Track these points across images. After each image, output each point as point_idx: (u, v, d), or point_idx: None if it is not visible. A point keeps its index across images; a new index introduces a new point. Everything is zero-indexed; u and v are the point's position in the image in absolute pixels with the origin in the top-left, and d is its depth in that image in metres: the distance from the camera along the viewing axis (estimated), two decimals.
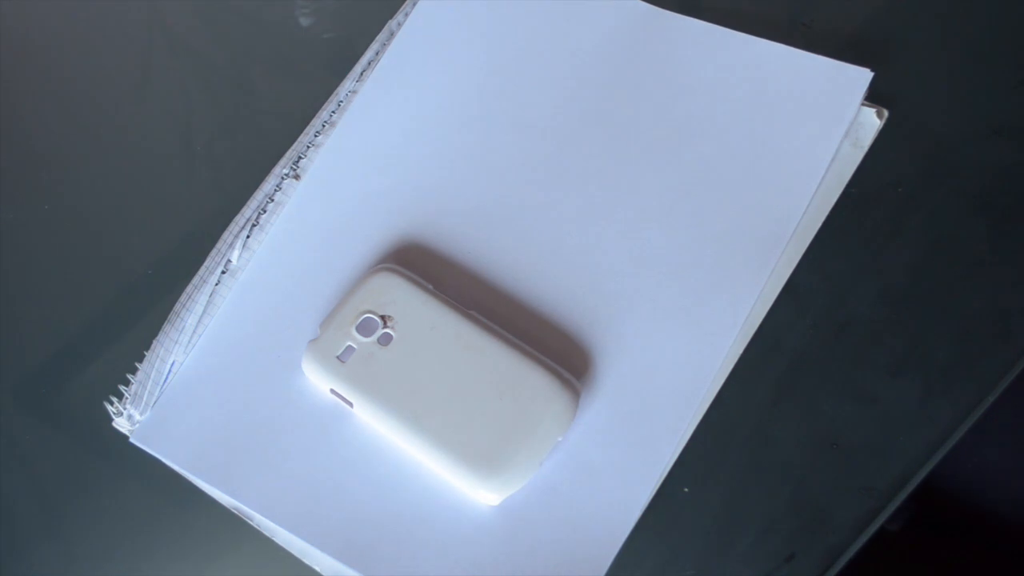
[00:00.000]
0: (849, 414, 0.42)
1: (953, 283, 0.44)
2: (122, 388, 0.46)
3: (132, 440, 0.45)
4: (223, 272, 0.48)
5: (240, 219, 0.49)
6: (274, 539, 0.43)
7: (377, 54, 0.53)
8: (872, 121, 0.47)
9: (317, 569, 0.42)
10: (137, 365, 0.46)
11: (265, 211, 0.49)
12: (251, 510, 0.43)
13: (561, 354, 0.43)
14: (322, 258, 0.48)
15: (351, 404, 0.43)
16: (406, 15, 0.54)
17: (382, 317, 0.44)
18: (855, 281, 0.45)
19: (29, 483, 0.47)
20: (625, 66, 0.50)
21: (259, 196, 0.50)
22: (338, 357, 0.43)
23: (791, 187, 0.45)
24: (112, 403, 0.46)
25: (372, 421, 0.42)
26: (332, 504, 0.42)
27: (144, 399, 0.45)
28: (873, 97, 0.47)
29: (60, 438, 0.48)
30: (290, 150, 0.51)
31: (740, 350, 0.44)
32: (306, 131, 0.51)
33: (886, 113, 0.47)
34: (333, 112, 0.51)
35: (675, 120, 0.48)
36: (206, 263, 0.49)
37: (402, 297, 0.44)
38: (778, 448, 0.42)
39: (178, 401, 0.45)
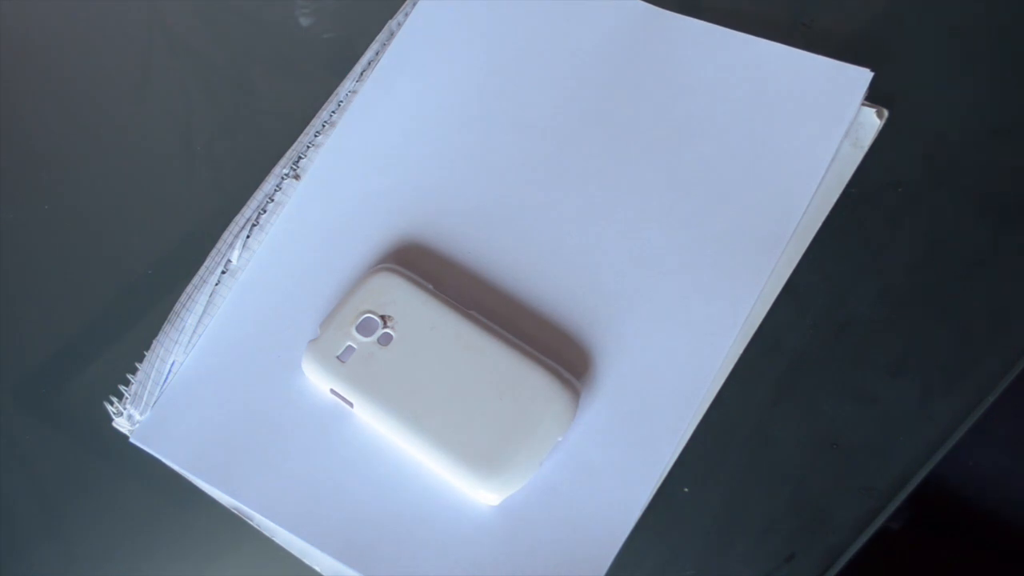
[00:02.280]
0: (849, 414, 0.42)
1: (953, 283, 0.44)
2: (122, 388, 0.46)
3: (132, 440, 0.45)
4: (223, 272, 0.48)
5: (240, 219, 0.49)
6: (274, 539, 0.43)
7: (377, 54, 0.53)
8: (872, 121, 0.47)
9: (317, 569, 0.42)
10: (137, 365, 0.46)
11: (265, 211, 0.49)
12: (251, 510, 0.43)
13: (561, 354, 0.43)
14: (322, 258, 0.48)
15: (351, 404, 0.43)
16: (406, 15, 0.54)
17: (382, 317, 0.44)
18: (855, 281, 0.45)
19: (29, 483, 0.47)
20: (625, 66, 0.50)
21: (259, 196, 0.50)
22: (338, 357, 0.43)
23: (791, 187, 0.45)
24: (112, 403, 0.46)
25: (372, 421, 0.42)
26: (332, 504, 0.42)
27: (144, 399, 0.45)
28: (873, 97, 0.47)
29: (60, 438, 0.48)
30: (290, 150, 0.51)
31: (740, 350, 0.44)
32: (306, 131, 0.51)
33: (886, 113, 0.47)
34: (333, 112, 0.51)
35: (675, 120, 0.48)
36: (206, 263, 0.49)
37: (402, 297, 0.44)
38: (778, 448, 0.42)
39: (178, 401, 0.45)
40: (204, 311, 0.47)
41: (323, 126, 0.51)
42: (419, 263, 0.46)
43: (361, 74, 0.53)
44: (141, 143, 0.55)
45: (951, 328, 0.43)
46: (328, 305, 0.46)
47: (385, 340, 0.43)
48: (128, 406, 0.45)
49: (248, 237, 0.49)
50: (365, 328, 0.44)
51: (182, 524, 0.45)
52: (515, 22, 0.52)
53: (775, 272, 0.44)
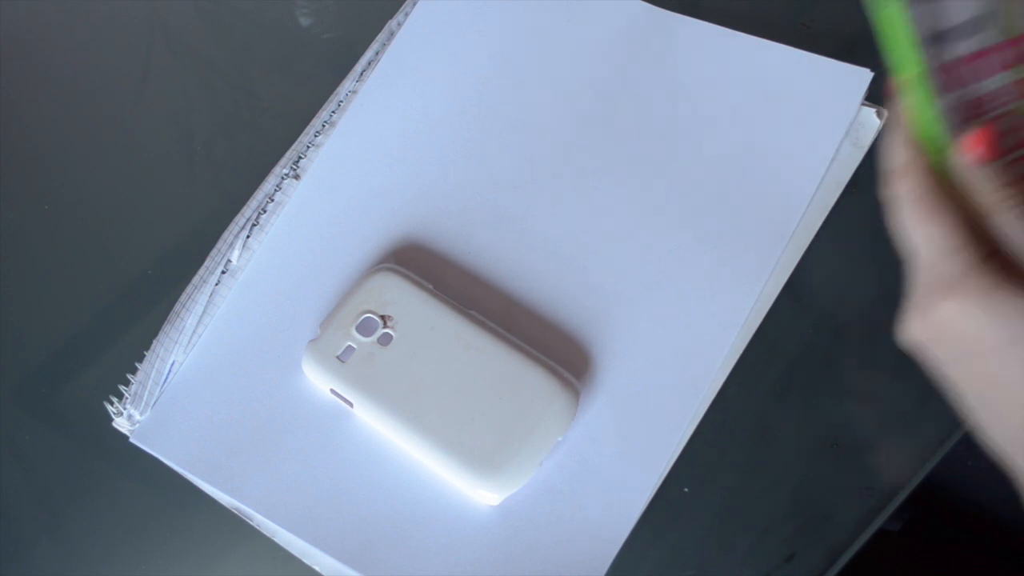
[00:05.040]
0: (849, 414, 0.42)
1: None
2: (122, 388, 0.46)
3: (132, 440, 0.45)
4: (223, 272, 0.48)
5: (240, 219, 0.49)
6: (274, 539, 0.43)
7: (377, 54, 0.53)
8: (872, 121, 0.47)
9: (317, 569, 0.42)
10: (137, 365, 0.46)
11: (265, 211, 0.49)
12: (251, 510, 0.43)
13: (561, 354, 0.43)
14: (322, 258, 0.48)
15: (351, 404, 0.43)
16: (406, 15, 0.54)
17: (382, 317, 0.44)
18: (855, 281, 0.45)
19: (29, 483, 0.47)
20: (625, 66, 0.50)
21: (259, 196, 0.50)
22: (338, 357, 0.43)
23: (791, 187, 0.45)
24: (112, 403, 0.46)
25: (372, 421, 0.43)
26: (332, 504, 0.42)
27: (144, 399, 0.45)
28: (873, 97, 0.47)
29: (60, 438, 0.48)
30: (290, 150, 0.51)
31: (740, 350, 0.44)
32: (306, 131, 0.51)
33: (886, 113, 0.47)
34: (333, 112, 0.51)
35: (675, 120, 0.48)
36: (206, 263, 0.49)
37: (402, 297, 0.44)
38: (778, 448, 0.42)
39: (178, 401, 0.46)
40: (204, 311, 0.47)
41: (323, 126, 0.51)
42: (419, 263, 0.46)
43: (361, 74, 0.53)
44: (141, 143, 0.55)
45: None
46: (328, 305, 0.46)
47: (385, 340, 0.43)
48: (128, 406, 0.45)
49: (248, 237, 0.49)
50: (365, 328, 0.44)
51: (182, 524, 0.45)
52: (515, 22, 0.52)
53: (775, 272, 0.44)
